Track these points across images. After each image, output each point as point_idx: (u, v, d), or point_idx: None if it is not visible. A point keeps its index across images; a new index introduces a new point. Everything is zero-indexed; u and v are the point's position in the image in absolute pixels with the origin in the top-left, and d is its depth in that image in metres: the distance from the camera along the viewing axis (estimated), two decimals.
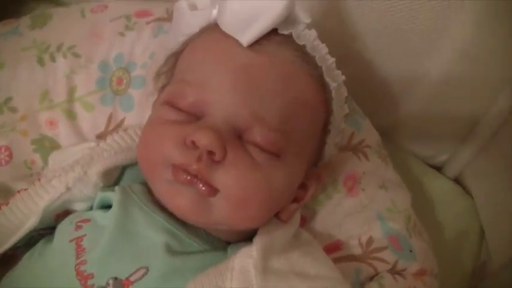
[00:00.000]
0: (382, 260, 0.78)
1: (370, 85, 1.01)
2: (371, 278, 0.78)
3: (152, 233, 0.64)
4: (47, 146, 0.85)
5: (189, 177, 0.60)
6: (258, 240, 0.64)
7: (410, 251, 0.80)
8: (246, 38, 0.63)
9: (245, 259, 0.61)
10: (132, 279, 0.61)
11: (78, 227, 0.68)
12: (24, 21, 0.93)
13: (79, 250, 0.64)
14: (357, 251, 0.79)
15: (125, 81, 0.87)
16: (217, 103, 0.62)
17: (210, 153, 0.60)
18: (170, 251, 0.63)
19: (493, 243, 1.01)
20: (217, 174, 0.60)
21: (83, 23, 0.91)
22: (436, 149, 1.11)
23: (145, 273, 0.61)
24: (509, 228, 0.97)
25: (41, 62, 0.87)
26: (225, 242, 0.68)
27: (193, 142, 0.60)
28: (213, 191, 0.61)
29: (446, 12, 0.83)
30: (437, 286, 0.83)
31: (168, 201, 0.64)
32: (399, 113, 1.05)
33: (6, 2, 1.09)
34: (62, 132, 0.85)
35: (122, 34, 0.89)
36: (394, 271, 0.79)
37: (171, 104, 0.65)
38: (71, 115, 0.86)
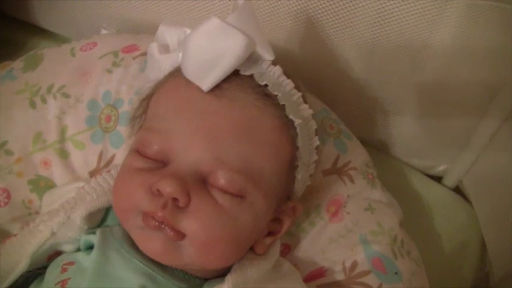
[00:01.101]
0: (365, 285, 0.78)
1: (362, 103, 1.02)
2: None
3: (129, 275, 0.67)
4: (42, 185, 0.88)
5: (157, 223, 0.63)
6: (229, 278, 0.66)
7: (396, 273, 0.80)
8: (206, 83, 0.65)
9: None
10: None
11: (63, 270, 0.71)
12: (18, 64, 0.96)
13: None
14: (340, 276, 0.79)
15: (113, 118, 0.89)
16: (180, 150, 0.64)
17: (175, 199, 0.62)
18: None
19: (494, 253, 1.00)
20: (183, 220, 0.63)
21: (72, 63, 0.94)
22: (434, 160, 1.11)
23: None
24: (510, 238, 0.96)
25: (32, 104, 0.90)
26: (202, 279, 0.70)
27: (158, 190, 0.62)
28: (180, 235, 0.63)
29: (429, 23, 0.83)
30: None
31: (141, 245, 0.66)
32: (394, 127, 1.06)
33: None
34: (56, 172, 0.88)
35: (109, 71, 0.92)
36: None
37: (139, 152, 0.68)
38: (63, 154, 0.89)
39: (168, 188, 0.61)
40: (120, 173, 0.71)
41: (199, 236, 0.63)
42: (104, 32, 1.10)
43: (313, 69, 0.94)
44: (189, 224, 0.63)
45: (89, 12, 1.10)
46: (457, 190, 1.12)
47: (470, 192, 1.08)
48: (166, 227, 0.63)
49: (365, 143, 0.97)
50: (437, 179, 1.13)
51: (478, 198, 1.06)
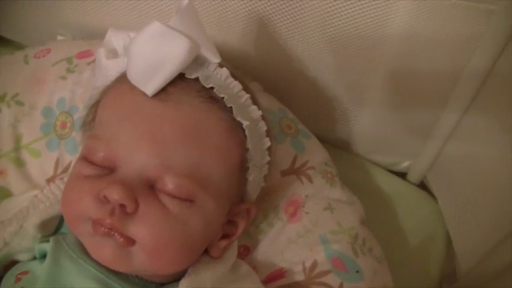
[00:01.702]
0: (325, 284, 0.78)
1: (320, 102, 1.02)
2: None
3: (83, 282, 0.66)
4: None
5: (106, 230, 0.62)
6: (183, 282, 0.66)
7: (357, 271, 0.80)
8: (150, 88, 0.64)
9: None
10: None
11: (17, 279, 0.70)
12: None
13: None
14: (300, 277, 0.79)
15: (68, 124, 0.88)
16: (126, 157, 0.64)
17: (122, 206, 0.61)
18: None
19: (459, 247, 1.00)
20: (131, 226, 0.62)
21: (26, 70, 0.93)
22: (397, 156, 1.11)
23: None
24: (474, 231, 0.96)
25: None
26: (158, 283, 0.69)
27: (105, 197, 0.61)
28: (130, 241, 0.63)
29: (382, 15, 0.83)
30: None
31: (92, 252, 0.66)
32: (355, 123, 1.06)
33: None
34: (12, 181, 0.87)
35: (63, 78, 0.91)
36: None
37: (86, 159, 0.67)
38: (19, 163, 0.88)
39: (115, 194, 0.60)
40: (69, 181, 0.70)
41: (149, 242, 0.62)
42: (60, 38, 1.09)
43: (269, 70, 0.93)
44: (138, 229, 0.62)
45: (44, 18, 1.09)
46: (422, 186, 1.12)
47: (435, 187, 1.08)
48: (115, 234, 0.62)
49: (326, 141, 0.97)
50: (402, 175, 1.13)
51: (442, 192, 1.06)
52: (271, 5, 0.85)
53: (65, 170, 0.87)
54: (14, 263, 0.76)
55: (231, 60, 0.76)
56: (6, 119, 0.89)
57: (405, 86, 0.94)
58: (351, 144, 1.10)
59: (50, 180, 0.87)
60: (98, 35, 0.99)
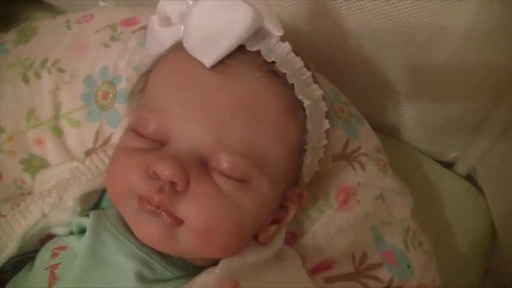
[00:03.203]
0: (376, 278, 0.75)
1: (373, 84, 0.99)
2: None
3: (124, 260, 0.63)
4: (35, 165, 0.83)
5: (153, 208, 0.59)
6: (222, 262, 0.63)
7: (408, 266, 0.77)
8: (209, 58, 0.60)
9: (207, 276, 0.61)
10: None
11: (54, 255, 0.68)
12: (10, 36, 0.92)
13: (52, 278, 0.64)
14: (350, 269, 0.76)
15: (110, 95, 0.85)
16: (179, 131, 0.60)
17: (173, 183, 0.58)
18: (142, 279, 0.62)
19: (506, 243, 0.98)
20: (180, 205, 0.59)
21: (68, 36, 0.89)
22: (446, 146, 1.08)
23: None
24: None
25: (25, 79, 0.85)
26: (200, 267, 0.66)
27: (155, 172, 0.58)
28: (178, 221, 0.59)
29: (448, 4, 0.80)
30: None
31: (136, 230, 0.63)
32: (406, 111, 1.02)
33: None
34: (50, 151, 0.84)
35: (107, 46, 0.87)
36: None
37: (135, 131, 0.64)
38: (57, 133, 0.84)
39: (166, 170, 0.57)
40: (115, 153, 0.67)
41: (198, 223, 0.59)
42: (102, 4, 1.04)
43: (322, 48, 0.89)
44: (187, 209, 0.58)
45: None
46: (468, 178, 1.10)
47: (483, 181, 1.06)
48: (162, 212, 0.59)
49: (375, 127, 0.93)
50: (449, 165, 1.10)
51: (491, 187, 1.03)
52: None
53: (105, 143, 0.84)
54: (49, 237, 0.73)
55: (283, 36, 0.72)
56: (46, 86, 0.85)
57: (461, 79, 0.91)
58: (400, 132, 1.07)
59: (88, 153, 0.83)
60: (141, 2, 0.96)
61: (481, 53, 0.85)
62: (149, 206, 0.59)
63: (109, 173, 0.66)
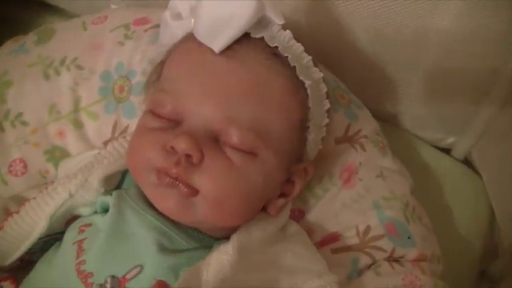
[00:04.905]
0: (379, 248, 0.80)
1: (370, 74, 1.02)
2: (369, 267, 0.79)
3: (144, 232, 0.69)
4: (57, 155, 0.90)
5: (171, 180, 0.65)
6: (234, 237, 0.68)
7: (409, 237, 0.81)
8: (217, 45, 0.66)
9: (220, 255, 0.65)
10: (128, 277, 0.66)
11: (81, 231, 0.74)
12: (30, 37, 0.98)
13: (79, 251, 0.70)
14: (354, 240, 0.81)
15: (126, 88, 0.91)
16: (192, 110, 0.66)
17: (188, 156, 0.64)
18: (162, 249, 0.67)
19: (503, 222, 1.01)
20: (196, 176, 0.65)
21: (84, 36, 0.95)
22: (443, 132, 1.11)
23: (140, 271, 0.66)
24: None
25: (46, 76, 0.91)
26: (213, 238, 0.72)
27: (172, 147, 0.64)
28: (194, 191, 0.65)
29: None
30: (440, 270, 0.84)
31: (155, 202, 0.69)
32: (403, 99, 1.06)
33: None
34: (71, 142, 0.90)
35: (121, 43, 0.93)
36: (391, 259, 0.80)
37: (152, 112, 0.70)
38: (77, 125, 0.91)
39: (182, 144, 0.63)
40: (135, 132, 0.73)
41: (212, 192, 0.65)
42: (113, 7, 1.10)
43: (321, 40, 0.94)
44: (202, 180, 0.65)
45: None
46: (466, 162, 1.13)
47: (479, 163, 1.09)
48: (180, 184, 0.65)
49: (374, 115, 0.98)
50: (447, 151, 1.13)
51: (487, 169, 1.07)
52: None
53: (123, 133, 0.90)
54: (74, 218, 0.79)
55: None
56: (65, 82, 0.91)
57: (455, 66, 0.94)
58: (398, 119, 1.10)
59: (107, 143, 0.89)
60: (151, 3, 1.02)
61: (473, 39, 0.86)
62: (167, 178, 0.65)
63: (130, 151, 0.73)
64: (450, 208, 1.05)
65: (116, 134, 0.90)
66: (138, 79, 0.91)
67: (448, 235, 1.00)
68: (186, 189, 0.64)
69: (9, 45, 1.00)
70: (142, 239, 0.68)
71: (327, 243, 0.81)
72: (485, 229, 1.05)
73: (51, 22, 1.12)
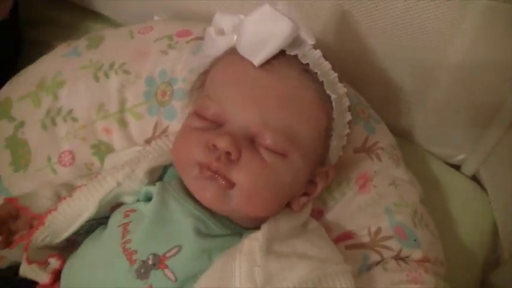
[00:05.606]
0: (388, 247, 0.89)
1: (388, 93, 1.11)
2: (377, 263, 0.88)
3: (184, 218, 0.78)
4: (103, 150, 1.00)
5: (211, 174, 0.74)
6: (264, 227, 0.78)
7: (415, 240, 0.90)
8: (258, 59, 0.76)
9: (252, 242, 0.75)
10: (167, 255, 0.75)
11: (126, 215, 0.83)
12: (82, 42, 1.08)
13: (125, 232, 0.79)
14: (366, 239, 0.90)
15: (168, 93, 1.00)
16: (233, 114, 0.76)
17: (228, 154, 0.73)
18: (199, 233, 0.76)
19: (504, 236, 1.08)
20: (234, 171, 0.74)
21: (131, 43, 1.05)
22: (454, 149, 1.18)
23: (179, 251, 0.75)
24: None
25: (96, 78, 1.01)
26: (243, 228, 0.81)
27: (214, 145, 0.73)
28: (231, 184, 0.74)
29: (450, 24, 0.90)
30: (443, 272, 0.92)
31: (196, 193, 0.78)
32: (417, 116, 1.14)
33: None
34: (116, 138, 1.00)
35: (164, 52, 1.03)
36: (398, 257, 0.89)
37: (197, 114, 0.79)
38: (123, 124, 1.00)
39: (223, 143, 0.72)
40: (181, 131, 0.82)
41: (246, 185, 0.74)
42: (156, 18, 1.21)
43: (345, 59, 1.02)
44: (239, 175, 0.74)
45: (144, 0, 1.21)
46: (474, 179, 1.20)
47: (486, 181, 1.16)
48: (219, 177, 0.74)
49: (390, 129, 1.06)
50: (457, 167, 1.21)
51: (493, 186, 1.14)
52: (353, 2, 0.96)
53: (163, 132, 1.00)
54: (119, 205, 0.88)
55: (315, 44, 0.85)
56: (113, 85, 1.01)
57: (464, 93, 1.02)
58: (412, 134, 1.19)
59: (148, 141, 0.99)
60: (192, 16, 1.12)
61: (488, 57, 0.93)
62: (208, 172, 0.74)
63: (176, 146, 0.82)
64: (456, 220, 1.12)
65: (157, 134, 1.00)
66: (180, 85, 1.00)
67: (453, 245, 1.07)
68: (224, 182, 0.74)
69: (62, 48, 1.10)
70: (182, 224, 0.77)
71: (342, 240, 0.91)
72: (489, 241, 1.12)
73: (93, 28, 1.24)
